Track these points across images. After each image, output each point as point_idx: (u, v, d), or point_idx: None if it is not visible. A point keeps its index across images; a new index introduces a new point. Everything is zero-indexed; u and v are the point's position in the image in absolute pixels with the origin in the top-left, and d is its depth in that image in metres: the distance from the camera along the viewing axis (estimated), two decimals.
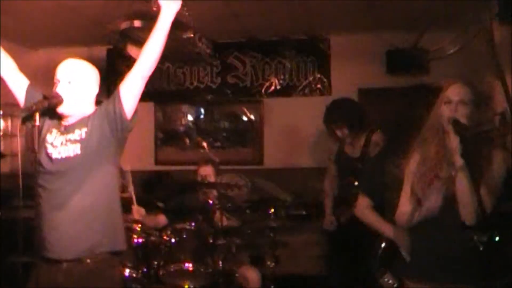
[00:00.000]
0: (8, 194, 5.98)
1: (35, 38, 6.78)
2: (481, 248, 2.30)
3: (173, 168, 7.06)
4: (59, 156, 2.94)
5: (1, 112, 6.45)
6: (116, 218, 3.03)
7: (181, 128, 7.27)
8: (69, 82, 2.97)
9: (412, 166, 2.81)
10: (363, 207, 3.59)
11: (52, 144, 2.98)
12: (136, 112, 2.99)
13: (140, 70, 2.93)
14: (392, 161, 2.95)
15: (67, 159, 2.92)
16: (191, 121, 7.29)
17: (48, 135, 3.01)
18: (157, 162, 7.26)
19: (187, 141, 7.25)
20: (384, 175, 3.05)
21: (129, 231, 4.31)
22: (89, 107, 3.05)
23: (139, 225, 4.41)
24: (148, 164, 7.16)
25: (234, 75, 7.08)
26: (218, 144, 7.19)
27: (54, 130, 3.02)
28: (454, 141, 2.56)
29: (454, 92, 2.70)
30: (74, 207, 2.89)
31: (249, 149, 7.14)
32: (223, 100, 7.16)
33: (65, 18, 5.74)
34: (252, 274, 4.71)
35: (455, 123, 2.58)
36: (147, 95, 6.98)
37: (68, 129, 2.99)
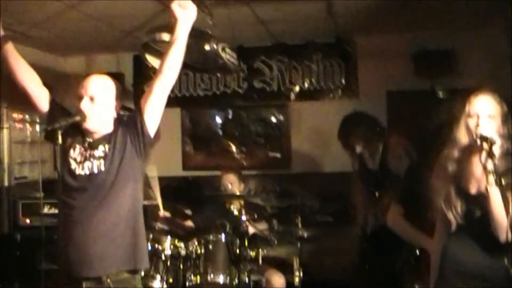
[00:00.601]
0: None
1: (64, 46, 6.85)
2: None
3: (201, 173, 7.07)
4: (82, 172, 2.94)
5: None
6: (139, 236, 3.01)
7: (208, 134, 7.28)
8: (92, 99, 2.97)
9: (438, 181, 2.75)
10: (396, 216, 3.55)
11: (75, 159, 2.99)
12: (159, 129, 2.98)
13: (161, 83, 2.91)
14: (424, 171, 2.89)
15: (91, 175, 2.93)
16: (218, 126, 7.29)
17: (71, 151, 3.01)
18: (184, 167, 7.27)
19: (215, 146, 7.25)
20: (417, 184, 2.99)
21: (157, 242, 4.33)
22: (112, 123, 3.05)
23: (168, 237, 4.42)
24: (175, 169, 7.18)
25: (261, 79, 7.06)
26: (245, 148, 7.19)
27: (78, 146, 3.02)
28: (483, 158, 2.49)
29: (479, 105, 2.63)
30: (97, 224, 2.89)
31: (277, 153, 7.12)
32: (250, 105, 7.15)
33: (93, 27, 5.79)
34: (277, 279, 4.70)
35: (483, 139, 2.50)
36: (174, 101, 7.08)
37: (92, 145, 2.99)
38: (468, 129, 2.64)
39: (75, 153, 3.00)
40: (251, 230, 4.63)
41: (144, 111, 2.93)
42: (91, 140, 3.01)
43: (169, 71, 2.89)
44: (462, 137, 2.68)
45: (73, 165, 2.97)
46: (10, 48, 3.09)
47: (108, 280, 2.89)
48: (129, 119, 3.03)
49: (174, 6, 2.87)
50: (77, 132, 3.03)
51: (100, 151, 2.96)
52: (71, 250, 2.91)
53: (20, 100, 5.60)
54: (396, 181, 4.25)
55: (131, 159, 2.96)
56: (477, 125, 2.59)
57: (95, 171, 2.92)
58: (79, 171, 2.95)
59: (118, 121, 3.07)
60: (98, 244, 2.90)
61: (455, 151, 2.70)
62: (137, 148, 2.95)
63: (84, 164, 2.96)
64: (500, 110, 2.62)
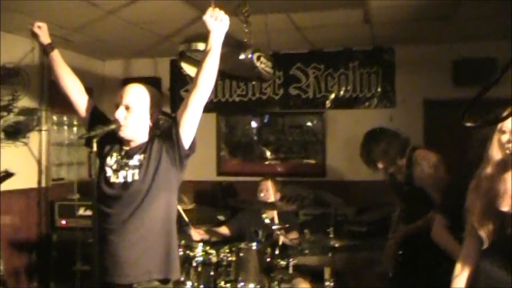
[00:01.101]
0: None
1: (103, 50, 6.96)
2: None
3: (235, 179, 7.08)
4: (117, 181, 2.96)
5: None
6: (172, 246, 3.02)
7: (244, 139, 7.30)
8: (128, 108, 2.99)
9: (472, 197, 2.70)
10: (440, 228, 3.49)
11: (111, 167, 3.01)
12: (195, 140, 2.99)
13: (196, 95, 2.90)
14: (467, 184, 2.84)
15: (125, 184, 2.95)
16: (254, 132, 7.30)
17: (108, 158, 3.04)
18: (219, 173, 7.30)
19: (250, 152, 7.27)
20: (461, 197, 2.93)
21: (189, 249, 4.35)
22: (147, 132, 3.06)
23: (200, 244, 4.44)
24: (210, 174, 7.21)
25: (297, 86, 7.04)
26: (281, 155, 7.20)
27: (115, 154, 3.04)
28: None
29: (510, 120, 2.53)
30: (130, 233, 2.91)
31: (312, 160, 7.10)
32: (285, 112, 7.14)
33: (131, 32, 5.86)
34: (303, 286, 4.68)
35: None
36: (209, 106, 7.12)
37: (128, 154, 3.01)
38: (500, 145, 2.58)
39: (112, 161, 3.03)
40: (282, 239, 4.60)
41: (180, 123, 2.93)
42: (127, 148, 3.03)
43: (204, 83, 2.88)
44: (495, 154, 2.61)
45: (109, 172, 3.00)
46: (56, 56, 3.18)
47: None
48: (165, 129, 3.04)
49: (207, 17, 2.86)
50: (115, 140, 3.06)
51: (135, 160, 2.98)
52: (105, 256, 2.94)
53: (59, 102, 5.73)
54: (420, 194, 4.22)
55: (166, 169, 2.97)
56: (510, 141, 2.52)
57: (130, 180, 2.94)
58: (114, 179, 2.97)
59: (155, 131, 3.09)
60: (131, 252, 2.92)
61: (489, 168, 2.64)
62: (173, 159, 2.96)
63: (120, 172, 2.98)
64: None
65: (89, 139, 2.88)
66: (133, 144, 3.04)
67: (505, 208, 2.56)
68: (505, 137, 2.55)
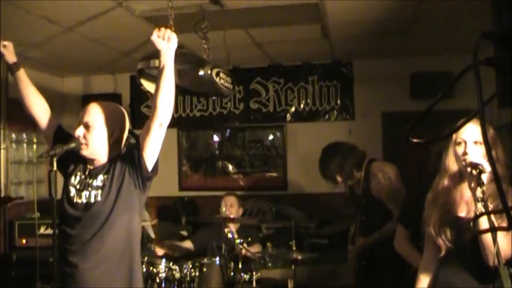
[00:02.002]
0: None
1: (61, 67, 6.91)
2: None
3: (197, 194, 7.08)
4: (79, 201, 2.94)
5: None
6: (134, 266, 3.00)
7: (205, 154, 7.30)
8: (88, 126, 2.98)
9: (429, 207, 2.77)
10: (402, 239, 3.56)
11: (75, 187, 2.99)
12: (157, 161, 2.98)
13: (157, 118, 2.85)
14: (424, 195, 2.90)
15: (87, 204, 2.92)
16: (215, 147, 7.32)
17: (72, 178, 3.02)
18: (181, 188, 7.28)
19: (211, 166, 7.28)
20: (420, 208, 2.99)
21: (152, 265, 4.33)
22: (112, 151, 3.05)
23: (163, 260, 4.43)
24: (172, 190, 7.18)
25: (257, 100, 7.10)
26: (243, 169, 7.22)
27: (79, 173, 3.02)
28: (472, 185, 2.49)
29: (466, 132, 2.60)
30: (91, 254, 2.89)
31: (273, 174, 7.15)
32: (247, 126, 7.18)
33: (90, 48, 5.84)
34: None
35: (473, 166, 2.50)
36: (170, 122, 7.10)
37: (92, 174, 2.99)
38: (456, 157, 2.65)
39: (76, 180, 3.00)
40: (245, 253, 4.62)
41: (143, 146, 2.90)
42: (91, 167, 3.01)
43: (162, 105, 2.84)
44: (451, 165, 2.69)
45: (72, 192, 2.97)
46: (22, 75, 3.13)
47: None
48: (128, 151, 3.02)
49: (154, 37, 2.82)
50: (80, 159, 3.04)
51: (99, 180, 2.95)
52: (66, 278, 2.92)
53: (18, 120, 5.65)
54: (377, 206, 4.31)
55: (129, 191, 2.94)
56: (465, 153, 2.60)
57: (92, 200, 2.91)
58: (76, 199, 2.95)
59: (118, 149, 3.08)
60: (92, 274, 2.89)
61: (445, 179, 2.71)
62: (135, 181, 2.94)
63: (83, 193, 2.95)
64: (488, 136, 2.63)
65: (49, 159, 2.87)
66: (96, 163, 3.01)
67: (461, 213, 2.64)
68: (460, 149, 2.62)
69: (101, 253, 2.90)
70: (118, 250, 2.94)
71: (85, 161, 3.03)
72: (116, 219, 2.91)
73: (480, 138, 2.57)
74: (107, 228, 2.89)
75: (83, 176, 3.00)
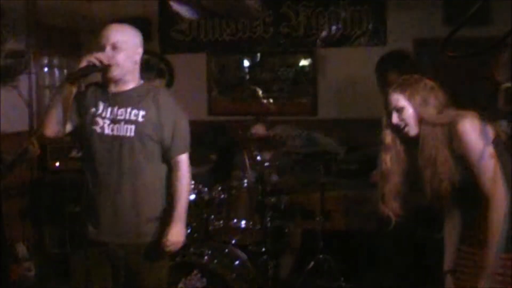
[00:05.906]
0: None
1: None
2: None
3: (226, 118, 7.09)
4: (110, 133, 2.98)
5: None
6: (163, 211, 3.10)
7: (235, 79, 7.25)
8: (117, 47, 2.97)
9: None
10: None
11: (101, 115, 3.01)
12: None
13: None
14: None
15: (117, 137, 2.97)
16: (245, 72, 7.25)
17: (93, 109, 3.04)
18: (210, 112, 7.28)
19: (241, 91, 7.24)
20: None
21: None
22: (135, 70, 3.08)
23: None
24: (201, 114, 7.18)
25: (287, 24, 6.95)
26: (272, 94, 7.17)
27: (101, 103, 3.04)
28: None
29: (389, 101, 2.77)
30: (123, 192, 2.98)
31: (303, 99, 7.09)
32: (276, 51, 7.07)
33: None
34: None
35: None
36: (199, 46, 7.06)
37: (116, 99, 3.01)
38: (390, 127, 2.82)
39: (99, 109, 3.03)
40: (274, 177, 4.66)
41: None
42: (115, 91, 3.03)
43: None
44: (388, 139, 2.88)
45: (100, 123, 3.00)
46: (69, 92, 2.93)
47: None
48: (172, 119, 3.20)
49: None
50: (98, 90, 3.08)
51: (132, 115, 2.99)
52: (95, 215, 3.01)
53: (49, 44, 5.65)
54: None
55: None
56: (402, 119, 2.75)
57: (123, 134, 2.97)
58: (108, 131, 2.99)
59: (153, 97, 3.08)
60: (121, 212, 2.99)
61: (388, 153, 2.92)
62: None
63: (113, 125, 2.99)
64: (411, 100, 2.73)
65: (74, 80, 2.89)
66: (123, 87, 3.03)
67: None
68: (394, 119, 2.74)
69: (130, 193, 3.00)
70: (148, 195, 3.06)
71: (105, 89, 3.04)
72: (147, 161, 3.02)
73: (399, 103, 2.71)
74: (137, 167, 3.01)
75: (106, 103, 3.02)
